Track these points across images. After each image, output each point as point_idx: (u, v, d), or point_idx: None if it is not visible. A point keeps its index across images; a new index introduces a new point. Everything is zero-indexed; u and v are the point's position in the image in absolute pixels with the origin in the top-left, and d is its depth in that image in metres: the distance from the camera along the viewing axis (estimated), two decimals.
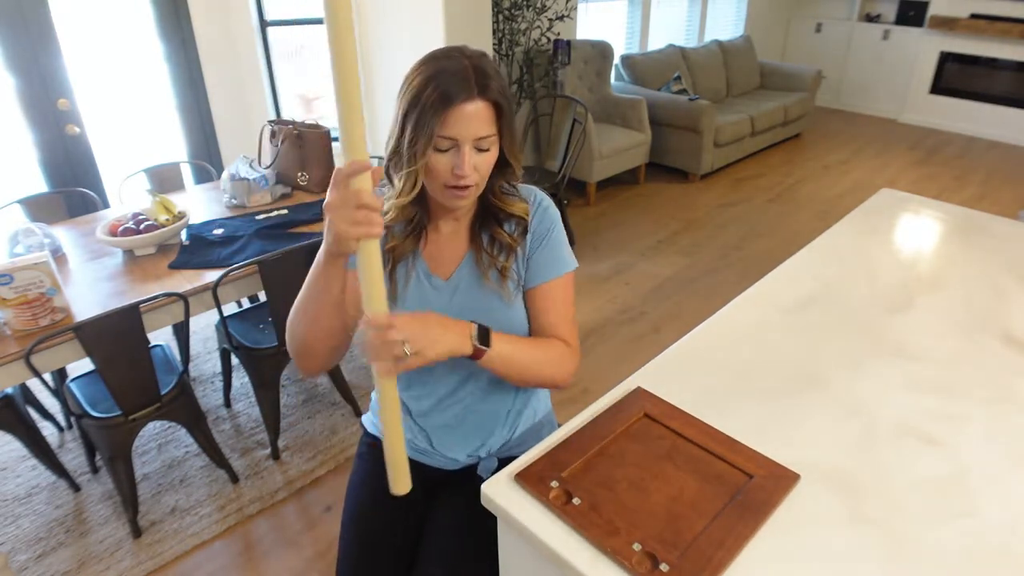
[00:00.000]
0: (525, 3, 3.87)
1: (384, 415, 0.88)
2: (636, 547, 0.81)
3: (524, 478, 0.92)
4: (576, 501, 0.87)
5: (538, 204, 1.11)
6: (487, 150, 0.97)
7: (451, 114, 0.92)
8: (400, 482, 0.92)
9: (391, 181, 1.03)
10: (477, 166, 0.96)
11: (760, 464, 0.95)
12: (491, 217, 1.09)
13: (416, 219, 1.07)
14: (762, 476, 0.92)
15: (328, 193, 0.80)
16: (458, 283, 1.09)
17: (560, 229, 1.11)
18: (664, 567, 0.78)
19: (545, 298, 1.10)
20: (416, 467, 1.21)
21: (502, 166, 1.04)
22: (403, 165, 0.98)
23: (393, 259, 1.07)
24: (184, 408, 1.97)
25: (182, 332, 2.10)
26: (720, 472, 0.93)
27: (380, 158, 2.83)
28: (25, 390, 2.26)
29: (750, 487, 0.90)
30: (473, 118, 0.93)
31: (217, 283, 1.87)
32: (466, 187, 0.97)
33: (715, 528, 0.84)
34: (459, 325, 0.95)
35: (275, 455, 2.23)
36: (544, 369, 1.06)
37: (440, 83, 0.92)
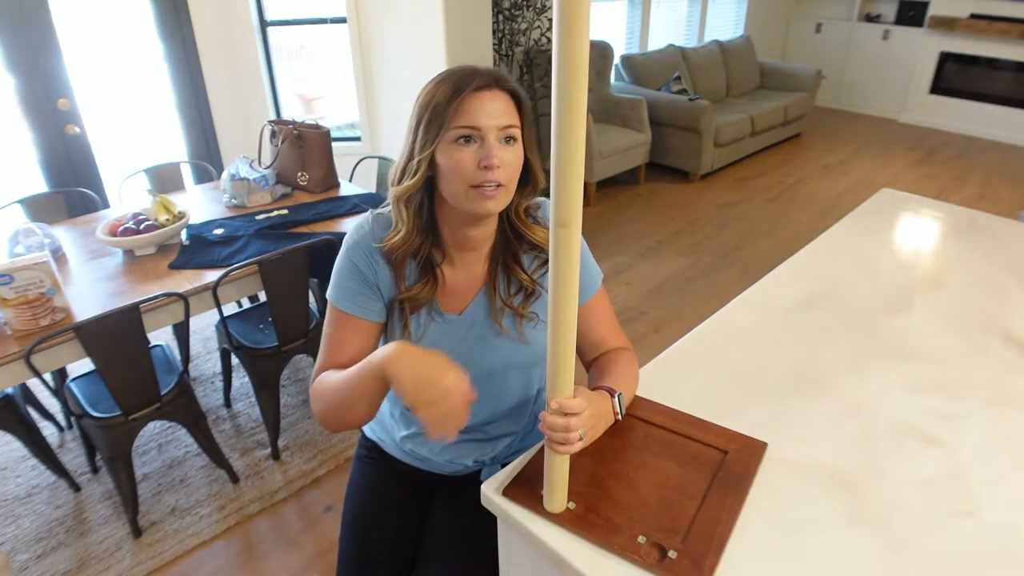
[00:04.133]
0: (525, 3, 3.87)
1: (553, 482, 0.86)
2: (641, 540, 0.81)
3: (512, 495, 0.90)
4: (571, 505, 0.87)
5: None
6: (514, 141, 0.91)
7: (466, 99, 0.87)
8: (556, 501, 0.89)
9: (398, 211, 0.97)
10: (505, 161, 0.89)
11: (730, 439, 0.98)
12: (510, 247, 1.03)
13: (423, 255, 0.99)
14: (735, 450, 0.96)
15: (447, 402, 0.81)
16: (474, 318, 1.04)
17: (583, 246, 1.00)
18: (672, 554, 0.79)
19: (589, 317, 1.07)
20: (417, 471, 1.21)
21: (523, 183, 0.97)
22: (414, 175, 0.92)
23: (407, 311, 0.99)
24: (184, 408, 1.96)
25: (182, 332, 2.10)
26: (696, 453, 0.96)
27: (383, 158, 2.83)
28: (25, 390, 2.25)
29: (727, 462, 0.94)
30: (490, 102, 0.88)
31: (217, 283, 1.87)
32: (496, 185, 0.89)
33: (707, 507, 0.86)
34: (604, 402, 0.95)
35: (275, 455, 2.23)
36: (635, 385, 1.08)
37: (452, 78, 0.89)
